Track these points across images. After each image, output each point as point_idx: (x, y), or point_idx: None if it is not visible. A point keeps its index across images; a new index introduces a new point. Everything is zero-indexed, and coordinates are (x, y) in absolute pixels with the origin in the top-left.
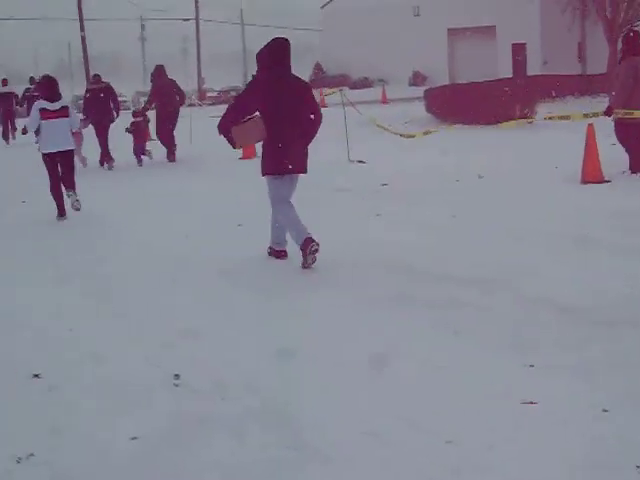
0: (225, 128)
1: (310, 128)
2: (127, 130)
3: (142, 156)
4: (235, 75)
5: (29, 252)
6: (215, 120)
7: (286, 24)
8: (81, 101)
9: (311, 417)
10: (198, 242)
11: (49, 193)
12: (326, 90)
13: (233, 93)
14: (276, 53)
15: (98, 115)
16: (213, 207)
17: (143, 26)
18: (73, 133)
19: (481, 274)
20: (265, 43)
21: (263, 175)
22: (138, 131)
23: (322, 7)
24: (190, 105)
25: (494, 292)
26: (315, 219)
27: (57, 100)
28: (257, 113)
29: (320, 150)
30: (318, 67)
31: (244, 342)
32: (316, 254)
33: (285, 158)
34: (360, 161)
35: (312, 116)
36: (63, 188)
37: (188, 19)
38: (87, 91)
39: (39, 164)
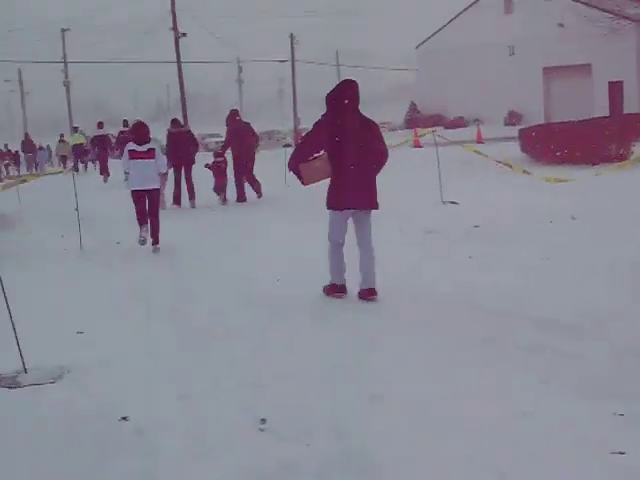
0: (294, 165)
1: (375, 165)
2: (206, 165)
3: (224, 195)
4: None
5: (121, 289)
6: None
7: (381, 64)
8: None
9: (397, 466)
10: (288, 283)
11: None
12: (420, 130)
13: None
14: (342, 94)
15: (178, 158)
16: (302, 248)
17: (240, 68)
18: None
19: (572, 318)
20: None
21: (327, 209)
22: (219, 171)
23: (417, 47)
24: (286, 145)
25: (585, 337)
26: (404, 261)
27: (145, 143)
28: (323, 151)
29: (413, 191)
30: (413, 107)
31: (332, 386)
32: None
33: (347, 194)
34: (453, 202)
35: (376, 158)
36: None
37: (284, 61)
38: (168, 136)
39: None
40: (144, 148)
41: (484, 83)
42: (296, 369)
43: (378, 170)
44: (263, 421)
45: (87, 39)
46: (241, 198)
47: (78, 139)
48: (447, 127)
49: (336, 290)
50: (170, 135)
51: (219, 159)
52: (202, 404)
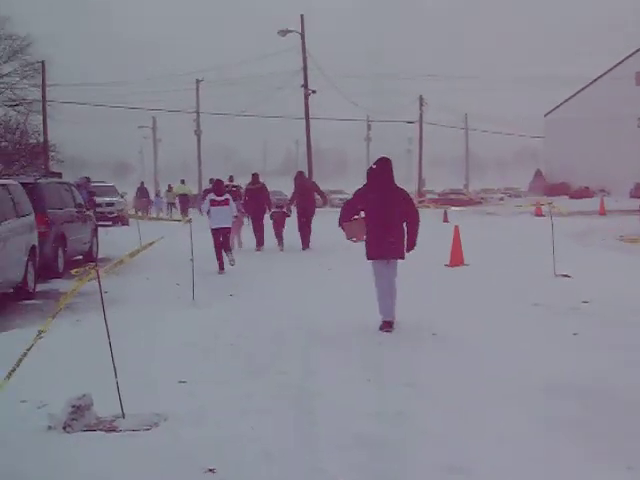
0: (340, 224)
1: (408, 227)
2: (270, 217)
3: (282, 241)
4: (457, 177)
5: (227, 343)
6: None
7: (509, 130)
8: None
9: None
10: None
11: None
12: (542, 199)
13: (452, 196)
14: (377, 170)
15: (254, 210)
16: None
17: (369, 126)
18: (235, 220)
19: None
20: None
21: (367, 259)
22: (277, 220)
23: (545, 115)
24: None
25: None
26: (504, 335)
27: (222, 194)
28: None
29: (528, 261)
30: (539, 174)
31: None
32: (387, 332)
33: (379, 248)
34: (565, 275)
35: (407, 218)
36: (224, 253)
37: (412, 122)
38: (246, 190)
39: None
40: (221, 198)
41: (611, 154)
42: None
43: (414, 230)
44: None
45: (220, 90)
46: (304, 245)
47: (183, 189)
48: (572, 197)
49: (386, 325)
50: (249, 190)
51: (278, 210)
52: (285, 464)
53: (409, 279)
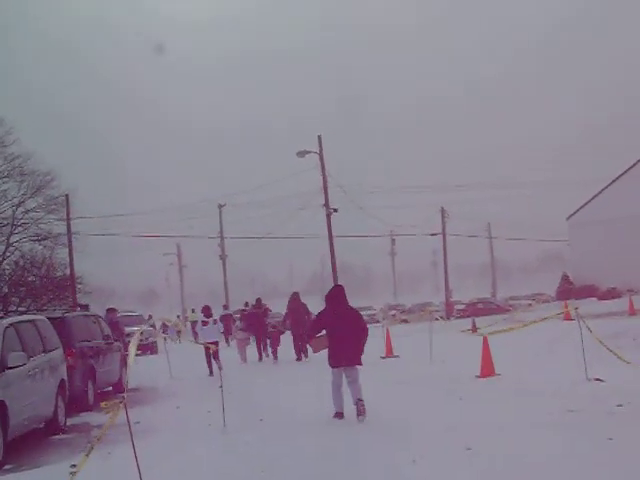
0: (307, 341)
1: (360, 339)
2: (267, 336)
3: (276, 356)
4: (484, 286)
5: (256, 474)
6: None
7: (532, 236)
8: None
9: None
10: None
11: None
12: (570, 304)
13: (480, 305)
14: (333, 294)
15: (257, 329)
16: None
17: (393, 241)
18: (239, 340)
19: None
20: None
21: (330, 367)
22: (274, 338)
23: (567, 218)
24: (437, 319)
25: None
26: (540, 444)
27: (210, 316)
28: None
29: (559, 366)
30: (565, 278)
31: None
32: (362, 417)
33: (337, 358)
34: (598, 379)
35: (361, 332)
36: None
37: (436, 234)
38: (251, 313)
39: None
40: (210, 319)
41: (637, 252)
42: None
43: (364, 342)
44: None
45: (244, 214)
46: (298, 358)
47: (194, 317)
48: (600, 298)
49: (337, 415)
50: (253, 313)
51: (274, 329)
52: None
53: (439, 392)
